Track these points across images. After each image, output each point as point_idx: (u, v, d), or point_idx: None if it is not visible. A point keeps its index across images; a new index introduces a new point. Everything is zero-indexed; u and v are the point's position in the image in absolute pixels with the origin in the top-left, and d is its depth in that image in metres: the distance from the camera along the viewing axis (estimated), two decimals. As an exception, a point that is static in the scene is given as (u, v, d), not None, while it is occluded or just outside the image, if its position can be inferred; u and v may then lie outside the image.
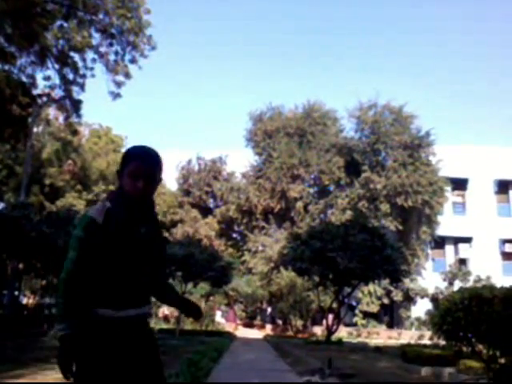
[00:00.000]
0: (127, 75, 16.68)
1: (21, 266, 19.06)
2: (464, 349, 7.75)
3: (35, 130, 22.81)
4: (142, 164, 2.03)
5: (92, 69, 16.49)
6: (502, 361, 6.94)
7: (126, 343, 1.99)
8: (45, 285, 24.30)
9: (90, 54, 16.41)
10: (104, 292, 1.97)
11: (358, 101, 30.36)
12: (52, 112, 24.92)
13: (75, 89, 16.40)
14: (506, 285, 7.27)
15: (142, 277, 2.08)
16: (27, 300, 27.96)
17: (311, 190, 31.51)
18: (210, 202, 38.06)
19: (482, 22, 64.53)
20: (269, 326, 30.92)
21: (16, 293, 20.47)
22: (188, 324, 22.75)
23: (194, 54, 76.40)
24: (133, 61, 16.58)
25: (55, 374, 6.72)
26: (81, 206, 28.43)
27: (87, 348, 1.93)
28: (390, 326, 29.44)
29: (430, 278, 28.55)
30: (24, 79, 15.57)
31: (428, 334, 17.33)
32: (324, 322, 20.73)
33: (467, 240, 30.33)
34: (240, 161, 34.30)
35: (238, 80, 75.83)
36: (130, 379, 1.98)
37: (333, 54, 67.47)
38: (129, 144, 47.13)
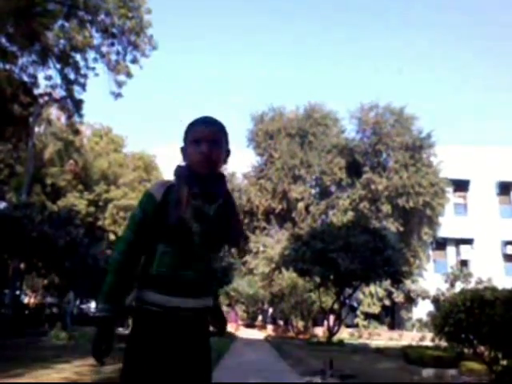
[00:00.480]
0: (128, 75, 16.70)
1: (22, 265, 19.07)
2: (466, 350, 7.73)
3: (37, 129, 22.82)
4: (205, 127, 1.90)
5: (93, 68, 16.51)
6: (504, 363, 6.91)
7: (173, 340, 1.77)
8: (46, 284, 24.34)
9: (91, 54, 16.44)
10: (156, 275, 1.78)
11: (359, 102, 30.38)
12: (54, 112, 24.95)
13: (76, 88, 16.42)
14: (508, 286, 7.25)
15: (202, 263, 1.86)
16: (28, 299, 28.01)
17: (312, 191, 31.47)
18: (212, 203, 38.07)
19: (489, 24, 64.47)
20: (270, 327, 30.92)
21: (17, 292, 20.50)
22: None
23: (193, 52, 76.51)
24: (134, 61, 16.60)
25: (55, 374, 6.71)
26: (82, 205, 28.46)
27: (132, 339, 1.77)
28: (392, 327, 29.38)
29: (431, 279, 28.48)
30: (25, 79, 15.59)
31: (429, 335, 17.26)
32: (325, 322, 20.71)
33: (469, 241, 30.26)
34: (241, 161, 34.28)
35: (239, 80, 75.85)
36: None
37: (333, 56, 67.46)
38: (129, 144, 47.30)
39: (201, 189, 1.85)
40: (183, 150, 1.95)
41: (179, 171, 1.90)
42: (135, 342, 1.75)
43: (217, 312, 2.12)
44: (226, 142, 1.97)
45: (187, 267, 1.81)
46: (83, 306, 28.20)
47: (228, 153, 1.99)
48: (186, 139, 1.94)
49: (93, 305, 29.18)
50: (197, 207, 1.83)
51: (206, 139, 1.86)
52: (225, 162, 1.98)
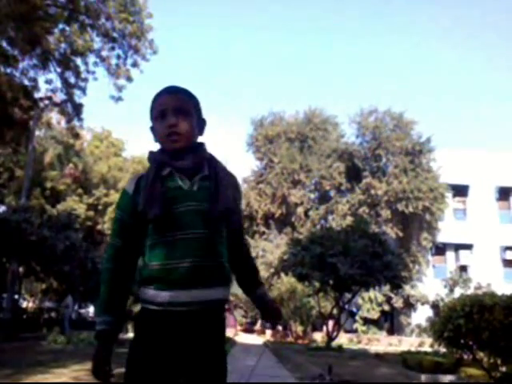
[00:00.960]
0: (129, 79, 16.73)
1: (21, 269, 19.04)
2: (465, 356, 7.72)
3: (37, 133, 22.85)
4: (169, 96, 1.68)
5: (94, 72, 16.55)
6: (504, 369, 6.90)
7: (175, 339, 1.55)
8: (45, 288, 24.33)
9: (91, 58, 16.48)
10: (150, 270, 1.59)
11: (359, 106, 30.50)
12: (54, 116, 24.99)
13: (77, 92, 16.44)
14: (508, 292, 7.24)
15: (200, 247, 1.58)
16: (27, 304, 27.96)
17: (312, 196, 31.48)
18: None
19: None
20: (269, 332, 30.83)
21: (16, 296, 20.46)
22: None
23: (194, 57, 76.73)
24: (134, 64, 16.64)
25: (53, 379, 6.69)
26: (81, 209, 28.45)
27: (133, 341, 1.61)
28: (391, 332, 29.32)
29: (430, 284, 28.45)
30: (26, 82, 15.61)
31: (428, 341, 17.24)
32: (324, 328, 20.66)
33: (468, 247, 30.23)
34: (241, 166, 34.30)
35: (239, 85, 76.02)
36: None
37: (333, 60, 67.63)
38: (130, 148, 47.35)
39: (175, 166, 1.64)
40: (152, 129, 1.75)
41: (151, 156, 1.71)
42: (135, 345, 1.60)
43: (263, 301, 1.85)
44: (198, 110, 1.75)
45: (182, 255, 1.57)
46: (82, 311, 28.17)
47: (203, 122, 1.77)
48: (152, 116, 1.73)
49: (91, 309, 29.15)
50: (172, 187, 1.62)
51: (172, 109, 1.65)
52: (200, 132, 1.75)
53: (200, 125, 1.75)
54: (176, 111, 1.65)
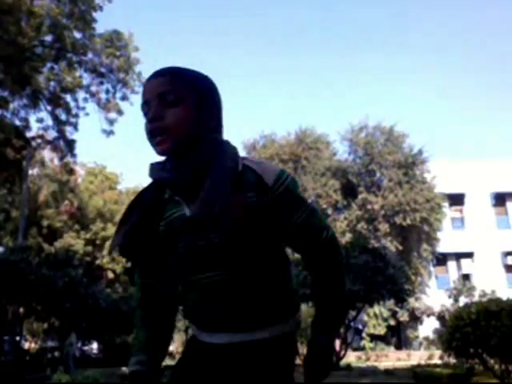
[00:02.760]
0: (119, 112, 16.92)
1: (21, 309, 18.79)
2: (476, 366, 7.65)
3: (30, 172, 22.89)
4: (152, 81, 1.19)
5: (84, 108, 16.73)
6: (516, 375, 6.83)
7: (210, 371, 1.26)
8: (46, 328, 23.97)
9: (81, 94, 16.68)
10: (187, 309, 1.32)
11: (349, 123, 30.80)
12: (47, 154, 25.11)
13: (68, 129, 16.61)
14: (512, 297, 7.23)
15: (221, 287, 1.22)
16: (29, 345, 27.49)
17: (309, 215, 31.46)
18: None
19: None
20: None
21: (17, 338, 20.13)
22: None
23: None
24: (124, 98, 16.85)
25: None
26: (79, 245, 28.32)
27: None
28: (399, 347, 28.99)
29: (434, 295, 28.30)
30: (17, 122, 15.76)
31: (438, 353, 17.05)
32: (331, 347, 20.39)
33: (469, 255, 30.19)
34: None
35: (231, 109, 76.60)
36: None
37: (321, 80, 68.52)
38: (125, 180, 47.46)
39: (163, 182, 1.20)
40: None
41: (149, 170, 1.26)
42: (176, 366, 1.36)
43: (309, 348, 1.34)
44: (204, 98, 1.20)
45: (200, 304, 1.27)
46: (85, 348, 27.74)
47: (216, 116, 1.23)
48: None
49: (95, 345, 28.71)
50: (170, 216, 1.24)
51: (156, 98, 1.16)
52: (214, 128, 1.21)
53: (209, 118, 1.20)
54: (160, 99, 1.15)
